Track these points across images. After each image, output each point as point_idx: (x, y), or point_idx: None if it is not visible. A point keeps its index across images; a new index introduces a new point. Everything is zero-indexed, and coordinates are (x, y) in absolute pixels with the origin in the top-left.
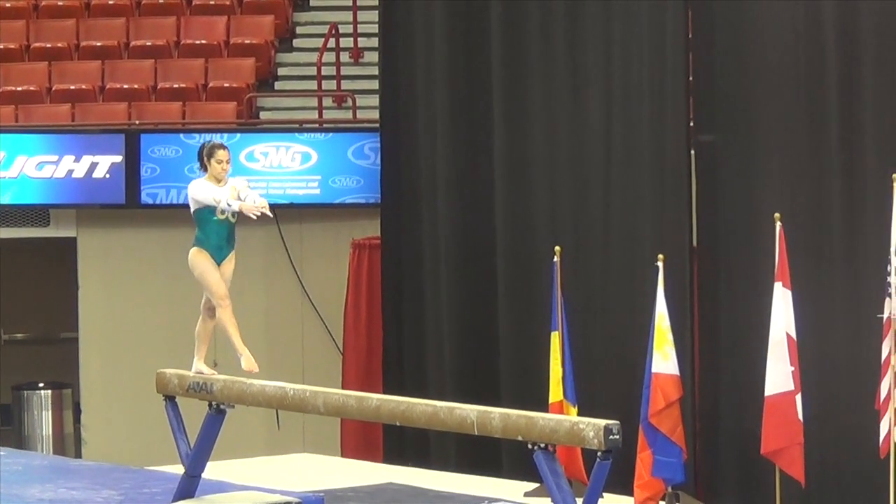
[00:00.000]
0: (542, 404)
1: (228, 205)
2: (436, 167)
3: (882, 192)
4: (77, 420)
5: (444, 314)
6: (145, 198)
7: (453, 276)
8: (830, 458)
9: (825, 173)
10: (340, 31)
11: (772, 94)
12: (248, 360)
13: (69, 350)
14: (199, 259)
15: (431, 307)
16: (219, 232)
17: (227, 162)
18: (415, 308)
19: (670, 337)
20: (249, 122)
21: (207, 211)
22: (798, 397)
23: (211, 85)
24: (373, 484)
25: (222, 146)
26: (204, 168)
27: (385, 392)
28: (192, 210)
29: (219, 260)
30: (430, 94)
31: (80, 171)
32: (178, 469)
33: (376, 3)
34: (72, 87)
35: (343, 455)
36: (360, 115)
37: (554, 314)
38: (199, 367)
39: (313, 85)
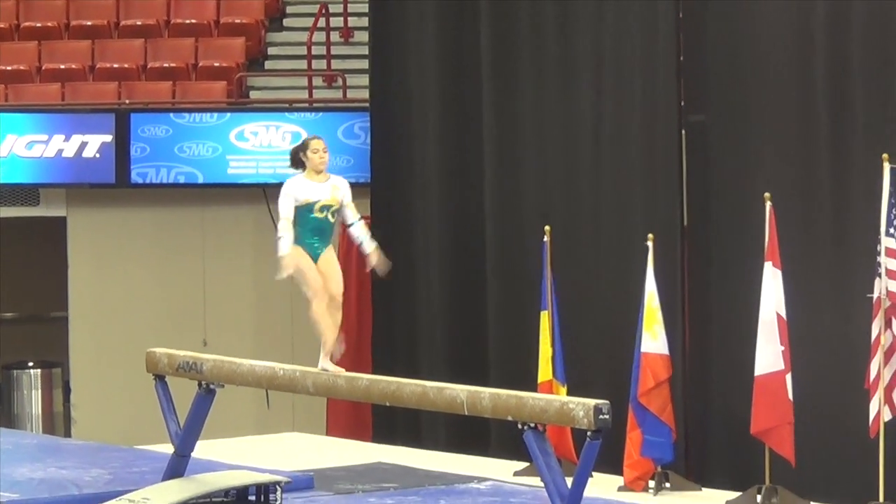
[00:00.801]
0: (531, 384)
1: (358, 239)
2: (426, 147)
3: (872, 172)
4: (67, 399)
5: (434, 294)
6: (135, 177)
7: (443, 256)
8: (820, 437)
9: (815, 153)
10: (331, 11)
11: (762, 74)
12: (325, 363)
13: (59, 329)
14: (294, 255)
15: (422, 286)
16: (317, 231)
17: (325, 150)
18: (405, 288)
19: (660, 316)
20: (239, 102)
21: (307, 211)
22: (788, 377)
23: (201, 64)
24: (362, 463)
25: (316, 137)
26: (299, 165)
27: (374, 372)
28: (293, 207)
29: (315, 256)
30: (421, 73)
31: (69, 150)
32: (168, 448)
33: None
34: (62, 67)
35: (328, 434)
36: (351, 94)
37: (543, 294)
38: (325, 365)
39: (303, 64)
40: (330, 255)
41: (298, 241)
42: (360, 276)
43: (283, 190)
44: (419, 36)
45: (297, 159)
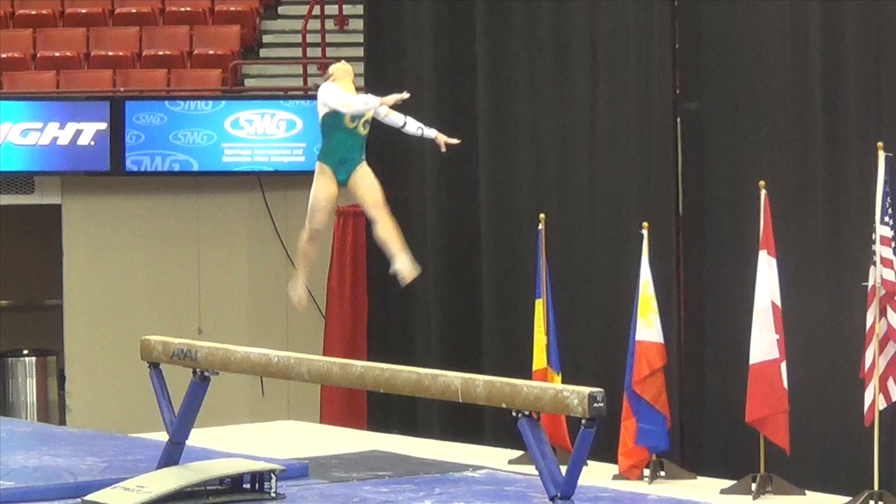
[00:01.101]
0: (526, 372)
1: (420, 129)
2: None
3: (867, 161)
4: (61, 387)
5: (429, 282)
6: (130, 165)
7: (438, 244)
8: (815, 426)
9: (810, 141)
10: None
11: (757, 63)
12: (399, 261)
13: (54, 317)
14: (316, 178)
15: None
16: (346, 143)
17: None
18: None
19: (654, 305)
20: (234, 90)
21: (336, 118)
22: (783, 365)
23: (196, 52)
24: (357, 451)
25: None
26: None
27: (370, 359)
28: (319, 117)
29: (343, 175)
30: (416, 60)
31: (64, 138)
32: (163, 436)
33: None
34: (56, 55)
35: (322, 422)
36: None
37: (538, 282)
38: (398, 266)
39: (298, 52)
40: (363, 171)
41: (325, 159)
42: (355, 263)
43: (324, 91)
44: (414, 23)
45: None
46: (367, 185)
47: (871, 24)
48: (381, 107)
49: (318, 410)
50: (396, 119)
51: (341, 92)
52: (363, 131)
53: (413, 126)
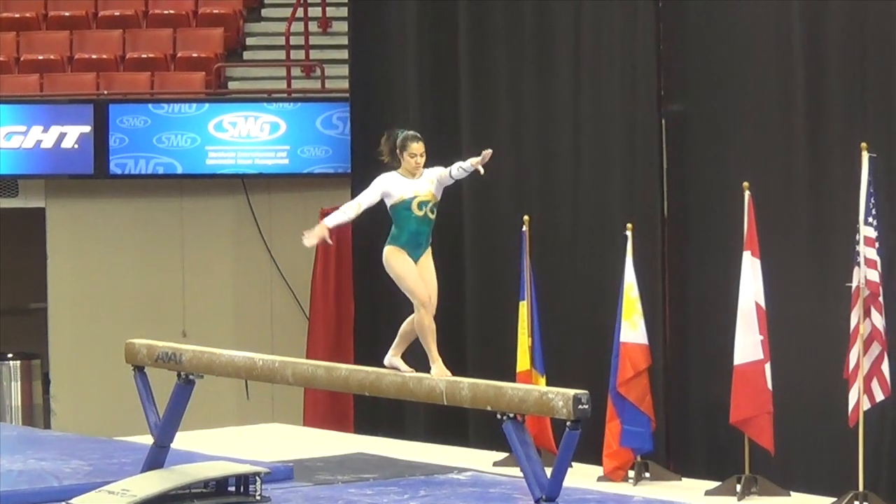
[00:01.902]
0: (510, 374)
1: (462, 169)
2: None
3: (851, 162)
4: (46, 391)
5: None
6: (114, 168)
7: None
8: (799, 427)
9: (794, 142)
10: (309, 1)
11: (741, 64)
12: (439, 369)
13: (38, 320)
14: (394, 258)
15: None
16: (418, 231)
17: (422, 155)
18: (386, 277)
19: (639, 306)
20: (218, 92)
21: (404, 208)
22: (767, 366)
23: (179, 55)
24: (342, 454)
25: (416, 138)
26: (393, 158)
27: (357, 362)
28: (388, 206)
29: (416, 258)
30: (400, 62)
31: (48, 141)
32: (148, 439)
33: None
34: (40, 58)
35: (305, 425)
36: (329, 84)
37: (522, 283)
38: (394, 362)
39: (282, 55)
40: (428, 260)
41: (399, 243)
42: (339, 265)
43: (375, 181)
44: (399, 25)
45: (393, 152)
46: (428, 275)
47: (854, 25)
48: (445, 173)
49: (302, 413)
50: (450, 172)
51: (365, 194)
52: (432, 216)
53: (458, 172)
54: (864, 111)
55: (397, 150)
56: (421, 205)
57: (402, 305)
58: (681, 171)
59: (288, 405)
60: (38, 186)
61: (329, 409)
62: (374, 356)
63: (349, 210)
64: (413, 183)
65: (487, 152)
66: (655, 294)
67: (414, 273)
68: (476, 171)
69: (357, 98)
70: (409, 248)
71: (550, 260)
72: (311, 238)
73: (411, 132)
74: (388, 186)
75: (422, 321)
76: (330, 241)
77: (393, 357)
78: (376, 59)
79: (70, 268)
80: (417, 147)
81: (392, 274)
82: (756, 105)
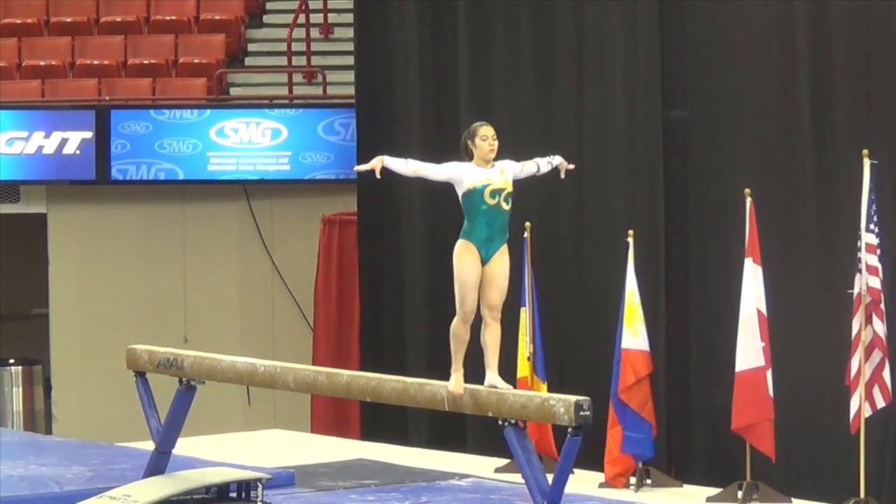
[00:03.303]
0: (510, 380)
1: (551, 164)
2: (410, 142)
3: (853, 169)
4: (48, 396)
5: (418, 289)
6: (115, 174)
7: (426, 252)
8: (801, 433)
9: (796, 149)
10: (311, 7)
11: (743, 70)
12: (456, 381)
13: (40, 326)
14: (460, 257)
15: (408, 281)
16: (490, 222)
17: (494, 138)
18: (392, 282)
19: (640, 313)
20: (220, 98)
21: (476, 196)
22: (769, 373)
23: (181, 61)
24: (343, 460)
25: (484, 124)
26: (468, 154)
27: (362, 368)
28: (459, 196)
29: (488, 254)
30: (404, 68)
31: (50, 147)
32: (149, 445)
33: None
34: (42, 63)
35: (313, 431)
36: (331, 90)
37: (523, 290)
38: (493, 381)
39: (283, 61)
40: (502, 259)
41: (470, 237)
42: (341, 271)
43: (449, 163)
44: (403, 32)
45: (466, 148)
46: (501, 277)
47: (858, 29)
48: (518, 167)
49: (304, 419)
50: (531, 168)
51: (436, 165)
52: (506, 207)
53: (546, 165)
54: (866, 118)
55: (468, 143)
56: (494, 193)
57: (407, 312)
58: (682, 177)
59: (290, 411)
60: (40, 192)
61: (336, 415)
62: (379, 362)
63: (411, 163)
64: (486, 171)
65: (570, 166)
66: (657, 300)
67: (471, 281)
68: (557, 172)
69: (362, 103)
70: (480, 243)
71: (552, 266)
72: (365, 166)
73: (478, 122)
74: (460, 171)
75: (457, 328)
76: (378, 176)
77: (490, 374)
78: (381, 64)
79: (71, 274)
80: (487, 129)
81: (454, 271)
82: (758, 112)
